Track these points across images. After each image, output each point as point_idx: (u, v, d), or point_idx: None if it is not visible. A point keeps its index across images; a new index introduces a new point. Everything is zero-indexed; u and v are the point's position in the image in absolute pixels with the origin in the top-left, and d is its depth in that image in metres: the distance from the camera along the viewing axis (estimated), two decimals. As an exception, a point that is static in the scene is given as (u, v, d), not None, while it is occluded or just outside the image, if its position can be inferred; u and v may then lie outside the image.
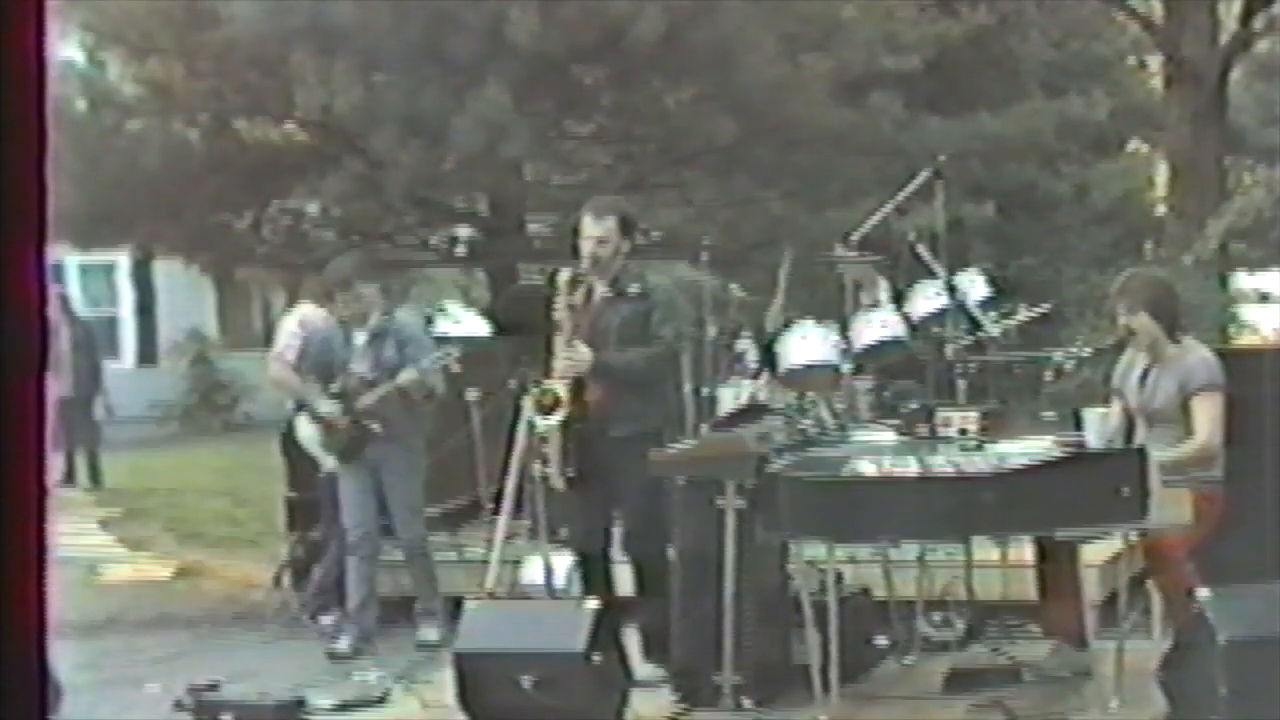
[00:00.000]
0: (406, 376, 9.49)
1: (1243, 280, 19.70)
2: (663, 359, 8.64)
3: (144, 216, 13.97)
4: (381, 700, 8.51)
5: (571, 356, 8.22)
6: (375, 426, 9.55)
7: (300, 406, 10.09)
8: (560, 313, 8.31)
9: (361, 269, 9.96)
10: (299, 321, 10.67)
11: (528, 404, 8.75)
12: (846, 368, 9.68)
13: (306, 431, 9.97)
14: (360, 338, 9.69)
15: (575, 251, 8.47)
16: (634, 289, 8.39)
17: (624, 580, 8.59)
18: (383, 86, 13.18)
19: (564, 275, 8.45)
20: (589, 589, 8.36)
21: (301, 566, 10.76)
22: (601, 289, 8.35)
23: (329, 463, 9.87)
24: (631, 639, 7.96)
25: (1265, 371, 8.85)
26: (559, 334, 8.31)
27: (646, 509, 8.27)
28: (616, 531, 8.62)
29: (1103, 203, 19.65)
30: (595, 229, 8.31)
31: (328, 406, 9.68)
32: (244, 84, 13.56)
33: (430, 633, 9.61)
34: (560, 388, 8.22)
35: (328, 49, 12.67)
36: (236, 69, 13.43)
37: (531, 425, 8.59)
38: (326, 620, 10.29)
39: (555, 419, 8.22)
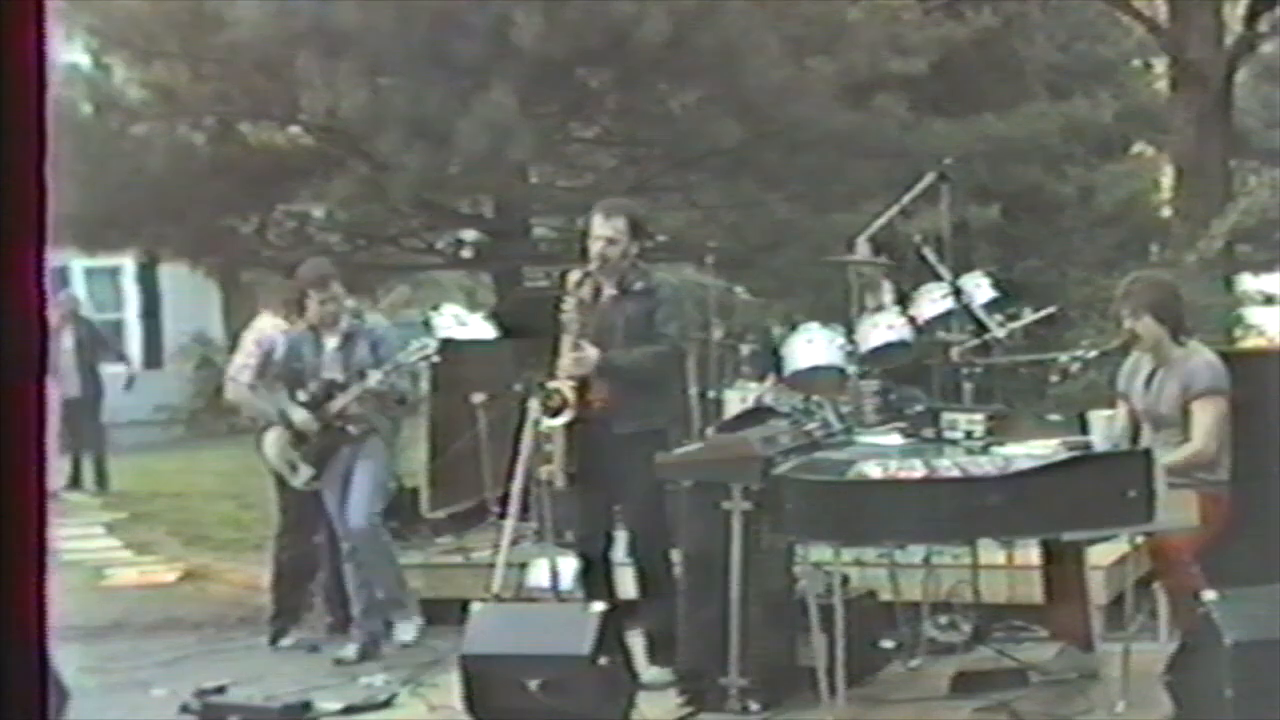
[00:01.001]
0: (373, 379, 9.37)
1: (1248, 282, 19.67)
2: (668, 357, 8.66)
3: (149, 220, 13.98)
4: (388, 703, 8.51)
5: (578, 357, 8.23)
6: (351, 429, 9.47)
7: (266, 424, 10.02)
8: (568, 313, 8.31)
9: (333, 270, 9.91)
10: (255, 339, 10.52)
11: (534, 405, 8.77)
12: (852, 370, 9.69)
13: (272, 447, 9.86)
14: (331, 342, 9.57)
15: (584, 251, 8.49)
16: (639, 286, 8.40)
17: (625, 583, 8.59)
18: (388, 90, 13.18)
19: (574, 275, 8.47)
20: (589, 592, 8.36)
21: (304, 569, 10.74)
22: (608, 288, 8.36)
23: (299, 477, 9.77)
24: (636, 642, 7.96)
25: (1271, 374, 8.83)
26: (566, 334, 8.30)
27: (650, 508, 8.28)
28: (618, 534, 8.62)
29: (1108, 205, 19.62)
30: (605, 229, 8.32)
31: (300, 415, 9.57)
32: (249, 87, 13.55)
33: (407, 629, 9.44)
34: (566, 388, 8.22)
35: (333, 52, 12.67)
36: (242, 72, 13.43)
37: (537, 424, 8.58)
38: (286, 643, 10.29)
39: (562, 419, 8.22)
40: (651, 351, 8.39)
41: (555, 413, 8.25)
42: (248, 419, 10.78)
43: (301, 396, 9.58)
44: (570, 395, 8.20)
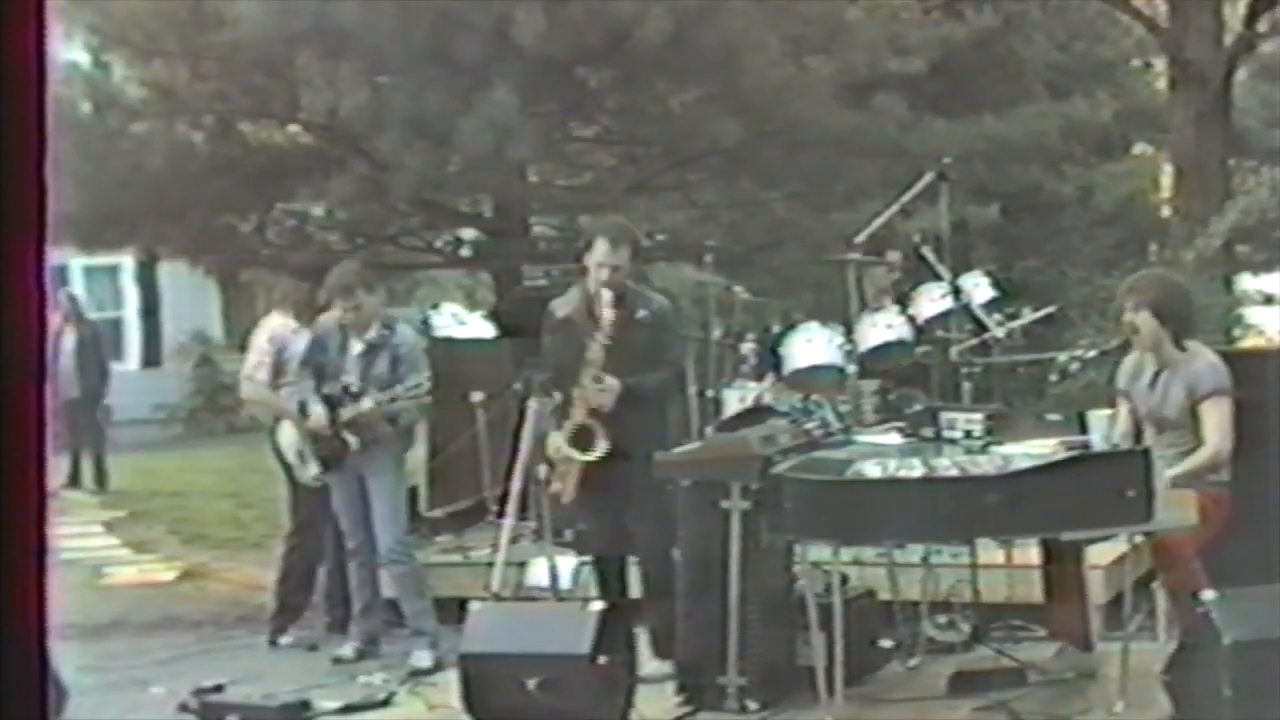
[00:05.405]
0: (366, 404, 9.26)
1: (1247, 282, 19.68)
2: (674, 381, 8.73)
3: (148, 219, 13.96)
4: (386, 702, 8.51)
5: (603, 389, 8.20)
6: (353, 440, 9.39)
7: (280, 418, 9.97)
8: (595, 351, 8.24)
9: (364, 277, 9.78)
10: (268, 337, 10.46)
11: (533, 404, 8.79)
12: (852, 370, 9.70)
13: (288, 439, 9.81)
14: (356, 347, 9.46)
15: (579, 264, 8.50)
16: (643, 314, 8.37)
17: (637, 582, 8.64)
18: (388, 89, 13.17)
19: (563, 305, 8.46)
20: (605, 590, 8.38)
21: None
22: (609, 311, 8.30)
23: (307, 473, 9.71)
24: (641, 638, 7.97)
25: (1270, 373, 8.83)
26: (588, 367, 8.24)
27: (656, 521, 8.30)
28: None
29: (1107, 204, 19.64)
30: (613, 257, 8.27)
31: (317, 411, 9.46)
32: (249, 86, 13.55)
33: (423, 658, 9.28)
34: (596, 424, 8.21)
35: (333, 51, 12.66)
36: (242, 71, 13.43)
37: (562, 454, 8.58)
38: (285, 642, 10.28)
39: (594, 455, 8.22)
40: (663, 378, 8.46)
41: (585, 447, 8.25)
42: (248, 419, 10.76)
43: (325, 390, 9.48)
44: (600, 431, 8.20)
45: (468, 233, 16.35)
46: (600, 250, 8.30)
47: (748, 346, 11.15)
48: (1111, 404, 8.01)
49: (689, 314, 14.33)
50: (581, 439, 8.26)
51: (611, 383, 8.20)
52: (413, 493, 11.31)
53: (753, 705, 7.52)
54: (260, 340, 10.54)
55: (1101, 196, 19.64)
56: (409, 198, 13.83)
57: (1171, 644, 7.24)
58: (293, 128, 14.49)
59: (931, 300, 10.27)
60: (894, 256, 11.35)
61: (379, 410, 9.28)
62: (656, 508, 8.30)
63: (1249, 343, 15.53)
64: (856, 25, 14.64)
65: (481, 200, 15.83)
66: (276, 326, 10.48)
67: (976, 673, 7.87)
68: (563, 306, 8.52)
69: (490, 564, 9.64)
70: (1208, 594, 6.72)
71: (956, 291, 10.24)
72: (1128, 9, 18.32)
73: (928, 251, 10.90)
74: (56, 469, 17.12)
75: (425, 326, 12.58)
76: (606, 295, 8.24)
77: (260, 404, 10.56)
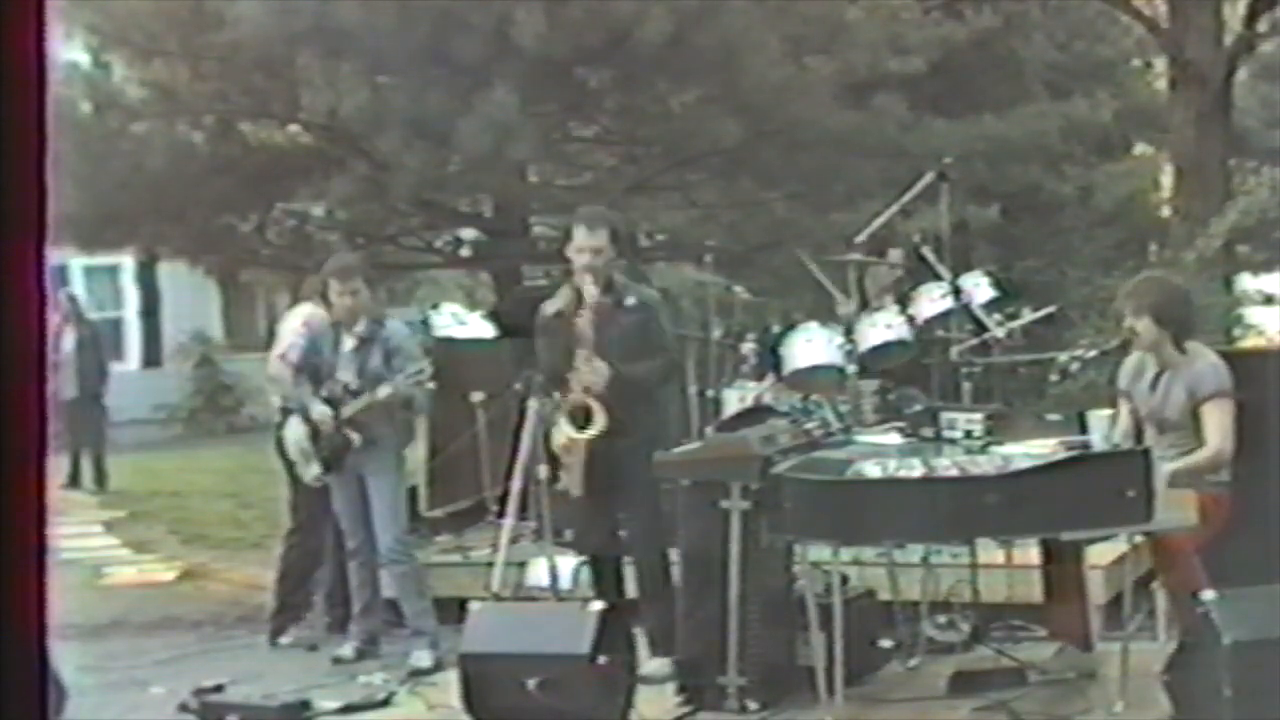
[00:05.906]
0: (383, 391, 9.25)
1: (1247, 282, 19.69)
2: (669, 370, 8.73)
3: (149, 219, 13.97)
4: (386, 702, 8.51)
5: (594, 371, 8.23)
6: (355, 437, 9.38)
7: (288, 411, 9.96)
8: (583, 326, 8.28)
9: (364, 267, 9.81)
10: (304, 321, 10.49)
11: (533, 404, 8.79)
12: (851, 370, 9.70)
13: (294, 435, 9.79)
14: (349, 343, 9.45)
15: (563, 258, 8.54)
16: (632, 300, 8.41)
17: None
18: (388, 89, 13.17)
19: (561, 295, 8.50)
20: (601, 591, 8.38)
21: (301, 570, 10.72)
22: (594, 295, 8.34)
23: (310, 472, 9.69)
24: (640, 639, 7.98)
25: (1270, 373, 8.83)
26: (581, 348, 8.28)
27: (649, 517, 8.32)
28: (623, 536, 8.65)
29: (1107, 204, 19.65)
30: (591, 240, 8.35)
31: (319, 410, 9.45)
32: (249, 86, 13.55)
33: (423, 658, 9.24)
34: (592, 402, 8.23)
35: (333, 51, 12.66)
36: (242, 71, 13.43)
37: (547, 435, 8.60)
38: (285, 641, 10.28)
39: (592, 432, 8.24)
40: (656, 365, 8.47)
41: (583, 425, 8.27)
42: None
43: (322, 393, 9.48)
44: (597, 408, 8.22)
45: (468, 233, 16.36)
46: (578, 236, 8.41)
47: (748, 346, 11.15)
48: (1111, 404, 8.01)
49: (689, 314, 14.35)
50: (578, 416, 8.29)
51: (599, 365, 8.22)
52: (413, 493, 11.30)
53: (753, 705, 7.52)
54: (294, 324, 10.49)
55: (1101, 196, 19.64)
56: (409, 198, 13.84)
57: (1171, 644, 7.25)
58: (293, 128, 14.49)
59: (931, 300, 10.27)
60: (896, 255, 11.36)
61: (397, 398, 9.29)
62: (649, 507, 8.33)
63: (1249, 343, 15.54)
64: (856, 25, 14.63)
65: (481, 200, 15.84)
66: (309, 315, 10.45)
67: (976, 673, 7.87)
68: (552, 304, 8.58)
69: (490, 564, 9.65)
70: (1208, 594, 6.72)
71: (956, 291, 10.25)
72: (1128, 9, 18.33)
73: (928, 251, 10.91)
74: (56, 469, 17.12)
75: (425, 326, 12.57)
76: (588, 279, 8.28)
77: (281, 383, 10.52)
